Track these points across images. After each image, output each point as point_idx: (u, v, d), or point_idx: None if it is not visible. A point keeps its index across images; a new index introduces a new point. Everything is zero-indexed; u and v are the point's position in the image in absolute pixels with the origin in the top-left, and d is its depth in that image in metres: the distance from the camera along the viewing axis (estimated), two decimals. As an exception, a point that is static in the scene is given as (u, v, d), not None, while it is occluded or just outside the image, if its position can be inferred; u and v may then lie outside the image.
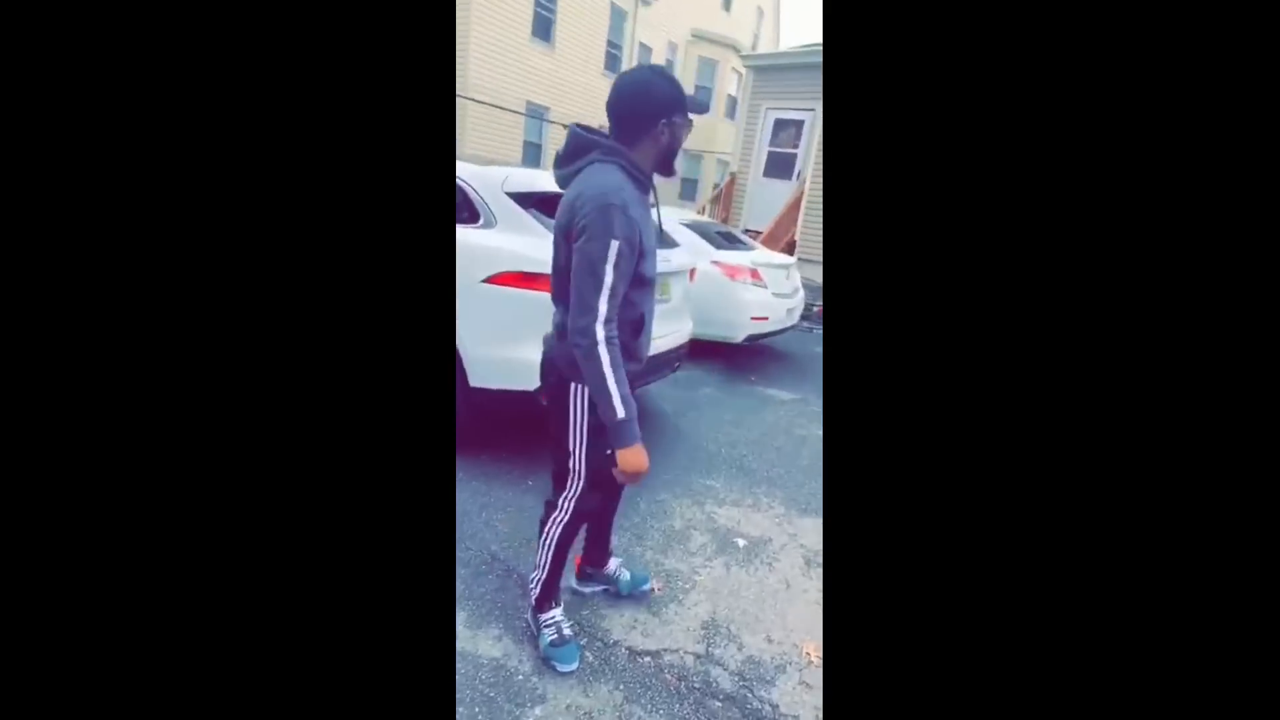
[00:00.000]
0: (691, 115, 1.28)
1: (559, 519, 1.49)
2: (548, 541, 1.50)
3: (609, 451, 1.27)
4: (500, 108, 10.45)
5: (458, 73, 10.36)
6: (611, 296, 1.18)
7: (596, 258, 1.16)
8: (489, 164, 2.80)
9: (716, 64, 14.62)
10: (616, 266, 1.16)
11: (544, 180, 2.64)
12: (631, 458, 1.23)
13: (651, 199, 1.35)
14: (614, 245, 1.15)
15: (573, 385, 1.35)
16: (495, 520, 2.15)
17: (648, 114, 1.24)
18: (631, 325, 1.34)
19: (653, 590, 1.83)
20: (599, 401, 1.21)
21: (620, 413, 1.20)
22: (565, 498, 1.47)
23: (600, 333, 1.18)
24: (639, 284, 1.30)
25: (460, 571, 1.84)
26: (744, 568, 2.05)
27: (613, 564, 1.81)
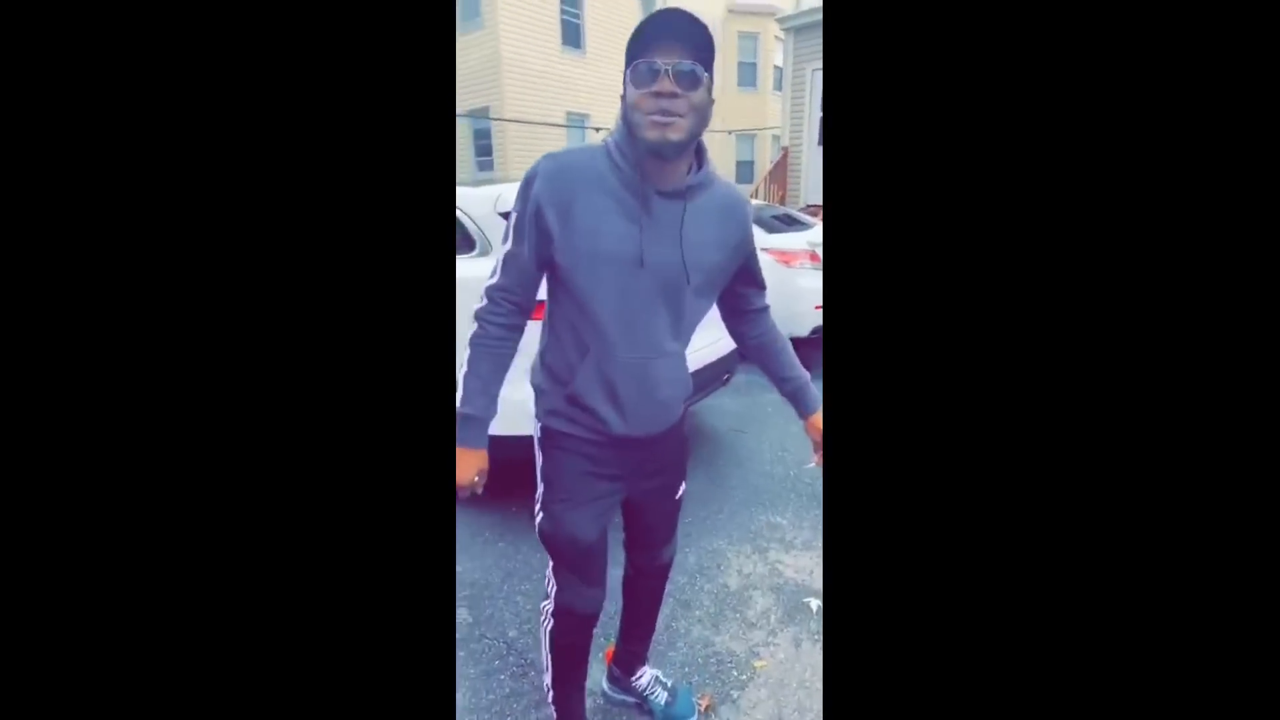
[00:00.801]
0: (657, 57, 0.84)
1: (546, 606, 1.17)
2: (543, 634, 1.19)
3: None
4: (540, 124, 10.39)
5: (495, 97, 10.41)
6: (505, 269, 0.99)
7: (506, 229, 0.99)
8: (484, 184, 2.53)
9: (757, 36, 13.87)
10: (515, 235, 0.97)
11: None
12: (457, 459, 1.00)
13: (652, 199, 0.91)
14: (513, 216, 0.97)
15: (535, 420, 1.09)
16: (518, 593, 1.84)
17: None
18: (603, 386, 0.99)
19: (701, 709, 1.39)
20: None
21: (460, 402, 1.00)
22: (549, 572, 1.16)
23: (481, 300, 1.01)
24: (582, 312, 0.96)
25: (468, 672, 1.54)
26: (819, 642, 1.61)
27: (645, 676, 1.39)
